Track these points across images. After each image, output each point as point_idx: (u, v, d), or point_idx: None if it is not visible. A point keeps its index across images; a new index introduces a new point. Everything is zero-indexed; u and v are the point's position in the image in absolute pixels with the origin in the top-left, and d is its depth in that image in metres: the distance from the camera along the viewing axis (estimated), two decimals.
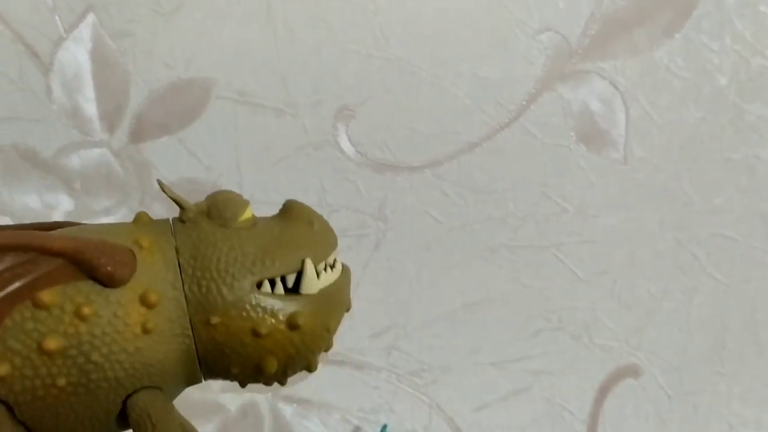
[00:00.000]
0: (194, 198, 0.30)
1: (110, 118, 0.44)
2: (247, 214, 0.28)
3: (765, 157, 0.48)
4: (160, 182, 0.29)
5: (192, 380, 0.29)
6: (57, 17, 0.43)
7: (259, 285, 0.27)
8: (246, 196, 0.29)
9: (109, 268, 0.26)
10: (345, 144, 0.46)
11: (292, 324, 0.27)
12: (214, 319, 0.27)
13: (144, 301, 0.26)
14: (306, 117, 0.45)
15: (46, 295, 0.26)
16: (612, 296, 0.50)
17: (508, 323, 0.49)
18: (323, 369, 0.48)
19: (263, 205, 0.31)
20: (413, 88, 0.45)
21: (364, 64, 0.44)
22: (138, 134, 0.44)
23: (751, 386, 0.52)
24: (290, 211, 0.30)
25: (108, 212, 0.45)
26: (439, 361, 0.50)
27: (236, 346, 0.27)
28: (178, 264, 0.27)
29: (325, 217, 0.30)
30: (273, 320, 0.27)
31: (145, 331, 0.26)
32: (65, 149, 0.44)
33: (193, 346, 0.27)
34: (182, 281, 0.27)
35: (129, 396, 0.27)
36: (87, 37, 0.43)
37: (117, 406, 0.27)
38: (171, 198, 0.28)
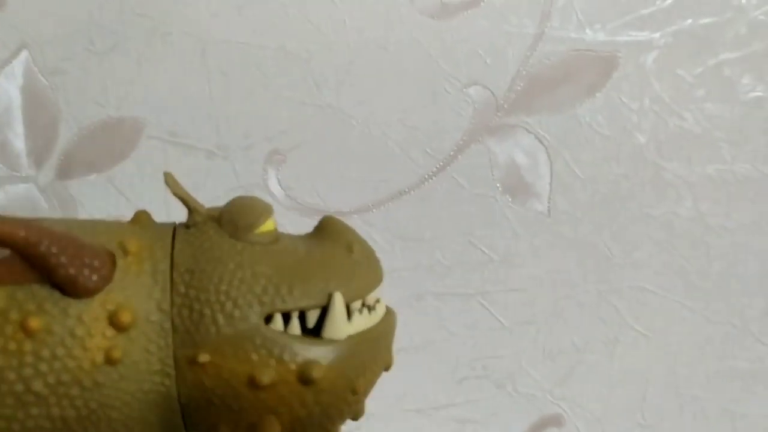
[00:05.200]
0: None
1: (38, 154, 0.44)
2: (268, 226, 0.22)
3: (682, 214, 0.50)
4: (167, 175, 0.23)
5: None
6: None
7: (269, 319, 0.21)
8: None
9: (71, 271, 0.19)
10: (275, 187, 0.46)
11: (304, 376, 0.20)
12: (203, 357, 0.20)
13: (114, 321, 0.20)
14: (237, 160, 0.45)
15: None
16: (536, 346, 0.50)
17: (434, 370, 0.50)
18: None
19: None
20: (344, 135, 0.46)
21: (297, 111, 0.45)
22: (66, 171, 0.44)
23: None
24: (326, 229, 0.23)
25: None
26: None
27: (228, 397, 0.20)
28: (171, 279, 0.21)
29: None
30: (279, 368, 0.20)
31: (110, 361, 0.20)
32: None
33: (174, 390, 0.21)
34: (171, 302, 0.21)
35: None
36: (19, 73, 0.43)
37: None
38: (177, 196, 0.23)
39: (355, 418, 0.23)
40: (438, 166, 0.47)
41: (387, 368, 0.23)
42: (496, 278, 0.49)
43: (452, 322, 0.49)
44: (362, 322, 0.22)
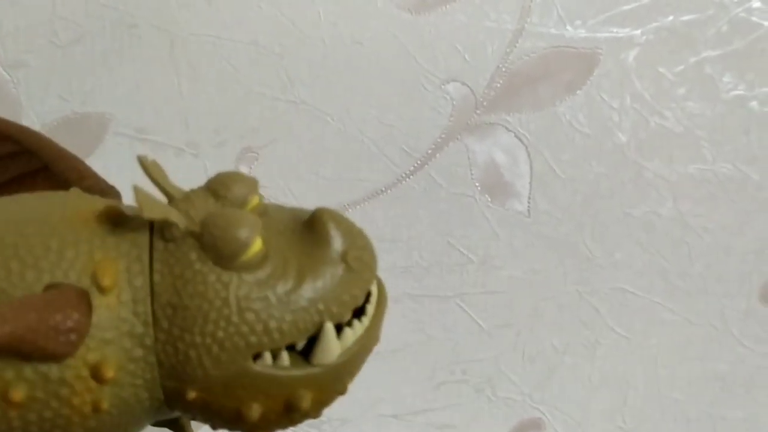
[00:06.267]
0: None
1: None
2: (253, 249, 0.20)
3: (663, 214, 0.49)
4: (143, 158, 0.21)
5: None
6: None
7: (257, 355, 0.20)
8: None
9: (41, 343, 0.18)
10: None
11: (292, 407, 0.21)
12: (191, 394, 0.20)
13: (97, 376, 0.20)
14: (208, 157, 0.44)
15: None
16: (515, 349, 0.50)
17: (411, 374, 0.49)
18: None
19: None
20: (318, 132, 0.45)
21: (269, 107, 0.44)
22: None
23: None
24: (318, 230, 0.21)
25: None
26: (339, 413, 0.48)
27: (218, 422, 0.21)
28: (153, 313, 0.20)
29: None
30: (267, 401, 0.20)
31: (98, 410, 0.20)
32: None
33: (167, 408, 0.21)
34: (155, 338, 0.20)
35: None
36: None
37: None
38: (158, 186, 0.21)
39: None
40: (415, 164, 0.46)
41: (377, 345, 0.23)
42: (475, 280, 0.48)
43: (430, 325, 0.48)
44: (355, 332, 0.21)
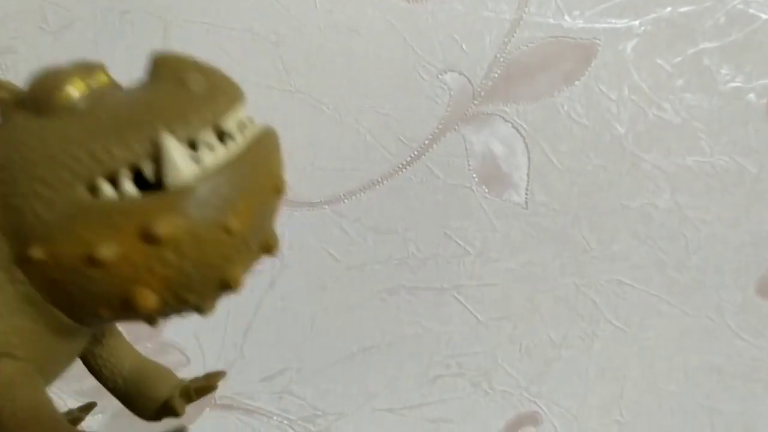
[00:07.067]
0: None
1: None
2: (73, 88, 0.19)
3: (661, 206, 0.49)
4: None
5: (66, 332, 0.21)
6: None
7: (94, 189, 0.18)
8: None
9: None
10: None
11: (149, 236, 0.18)
12: (35, 252, 0.18)
13: None
14: None
15: None
16: (512, 342, 0.49)
17: (407, 368, 0.48)
18: (209, 414, 0.45)
19: None
20: (314, 122, 0.44)
21: (265, 96, 0.43)
22: None
23: None
24: (154, 69, 0.19)
25: None
26: (333, 407, 0.48)
27: (81, 283, 0.19)
28: None
29: None
30: (119, 237, 0.18)
31: None
32: None
33: (34, 292, 0.19)
34: None
35: None
36: None
37: None
38: None
39: (267, 251, 0.20)
40: (412, 155, 0.46)
41: (278, 191, 0.20)
42: (472, 272, 0.48)
43: (426, 318, 0.48)
44: (219, 154, 0.19)
